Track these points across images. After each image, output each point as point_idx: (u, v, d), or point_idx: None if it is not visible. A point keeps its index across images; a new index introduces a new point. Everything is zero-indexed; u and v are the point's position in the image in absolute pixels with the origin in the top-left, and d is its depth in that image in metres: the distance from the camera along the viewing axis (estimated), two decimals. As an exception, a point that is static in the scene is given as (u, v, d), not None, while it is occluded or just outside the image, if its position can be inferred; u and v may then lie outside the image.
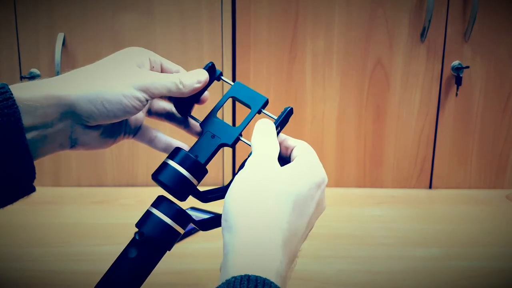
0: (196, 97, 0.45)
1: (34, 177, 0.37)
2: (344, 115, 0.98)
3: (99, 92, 0.37)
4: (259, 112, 0.46)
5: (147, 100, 0.39)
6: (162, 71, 0.44)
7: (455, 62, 0.94)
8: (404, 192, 0.99)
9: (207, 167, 0.44)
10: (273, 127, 0.41)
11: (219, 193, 0.43)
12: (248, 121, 0.45)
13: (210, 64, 0.46)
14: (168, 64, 0.44)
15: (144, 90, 0.39)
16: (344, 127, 0.98)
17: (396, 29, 0.93)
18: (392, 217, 0.85)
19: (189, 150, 0.44)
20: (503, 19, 0.93)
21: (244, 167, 0.38)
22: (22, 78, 0.92)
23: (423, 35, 0.93)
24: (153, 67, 0.43)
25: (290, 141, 0.43)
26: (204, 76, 0.43)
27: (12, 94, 0.34)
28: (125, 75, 0.39)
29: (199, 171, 0.42)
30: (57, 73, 0.91)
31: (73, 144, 0.41)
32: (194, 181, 0.42)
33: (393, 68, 0.95)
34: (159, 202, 0.41)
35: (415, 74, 0.96)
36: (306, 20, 0.93)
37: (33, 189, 0.38)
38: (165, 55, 0.93)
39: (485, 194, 0.98)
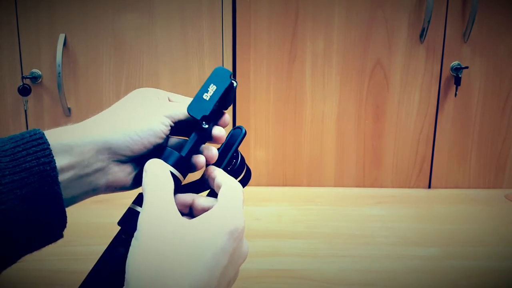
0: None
1: (64, 226, 0.37)
2: (344, 115, 0.98)
3: (132, 124, 0.40)
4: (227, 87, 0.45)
5: (171, 126, 0.43)
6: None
7: (454, 63, 0.95)
8: (403, 191, 0.99)
9: None
10: (161, 164, 0.40)
11: (194, 187, 0.44)
12: (218, 95, 0.44)
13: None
14: (173, 97, 0.47)
15: (168, 117, 0.42)
16: (344, 127, 0.98)
17: (395, 30, 0.94)
18: (391, 216, 0.86)
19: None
20: (503, 19, 0.93)
21: (140, 221, 0.35)
22: (23, 78, 0.93)
23: (422, 35, 0.93)
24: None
25: (220, 178, 0.41)
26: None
27: (48, 143, 0.35)
28: (150, 107, 0.43)
29: (183, 165, 0.42)
30: (59, 74, 0.91)
31: (108, 186, 0.41)
32: (180, 176, 0.42)
33: (393, 69, 0.96)
34: (142, 199, 0.40)
35: (414, 74, 0.96)
36: (306, 20, 0.93)
37: (60, 236, 0.38)
38: (165, 55, 0.94)
39: (484, 194, 0.99)
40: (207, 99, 0.44)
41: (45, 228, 0.36)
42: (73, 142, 0.37)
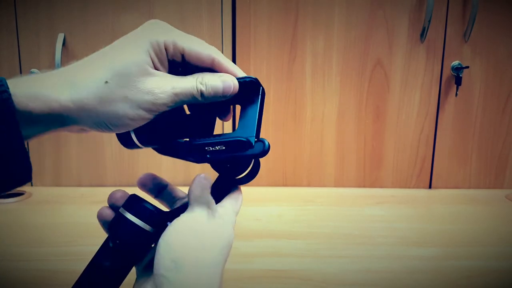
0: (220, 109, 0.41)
1: (29, 167, 0.34)
2: (344, 116, 0.98)
3: (104, 115, 0.35)
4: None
5: (158, 112, 0.36)
6: (187, 56, 0.37)
7: (455, 62, 0.95)
8: (403, 192, 0.99)
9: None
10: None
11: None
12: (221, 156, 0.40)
13: (249, 80, 0.39)
14: (194, 45, 0.37)
15: (151, 109, 0.36)
16: (344, 127, 0.98)
17: (395, 30, 0.94)
18: (391, 216, 0.86)
19: None
20: (503, 19, 0.93)
21: (193, 216, 0.38)
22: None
23: (422, 35, 0.93)
24: (171, 59, 0.37)
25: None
26: (233, 81, 0.38)
27: (8, 89, 0.32)
28: (129, 88, 0.35)
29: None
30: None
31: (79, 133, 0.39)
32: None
33: (393, 69, 0.95)
34: (132, 204, 0.39)
35: (414, 74, 0.96)
36: (306, 20, 0.93)
37: (28, 179, 0.34)
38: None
39: (485, 194, 0.99)
40: (208, 153, 0.39)
41: (6, 170, 0.33)
42: (39, 119, 0.33)
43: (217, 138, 0.39)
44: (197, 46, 0.37)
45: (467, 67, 0.93)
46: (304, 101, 0.97)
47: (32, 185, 0.98)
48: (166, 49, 0.36)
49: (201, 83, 0.37)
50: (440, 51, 0.94)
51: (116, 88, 0.34)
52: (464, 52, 0.94)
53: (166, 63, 0.37)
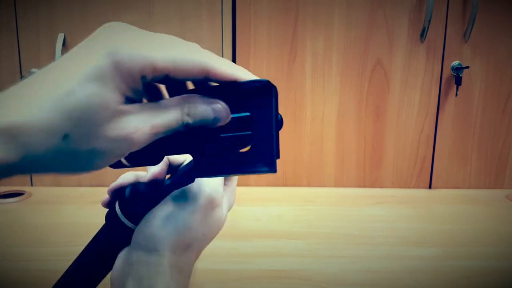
0: None
1: None
2: (344, 116, 0.98)
3: (65, 168, 0.27)
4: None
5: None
6: (173, 74, 0.28)
7: (455, 62, 0.95)
8: (403, 192, 0.99)
9: None
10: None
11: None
12: None
13: (258, 84, 0.30)
14: (180, 60, 0.28)
15: (124, 154, 0.28)
16: (344, 127, 0.98)
17: (395, 30, 0.94)
18: (391, 216, 0.86)
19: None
20: (503, 19, 0.93)
21: (193, 205, 0.35)
22: (22, 78, 0.93)
23: (423, 35, 0.93)
24: (150, 82, 0.28)
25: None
26: (227, 110, 0.31)
27: None
28: (97, 139, 0.26)
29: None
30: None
31: None
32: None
33: (393, 69, 0.95)
34: (126, 203, 0.38)
35: (415, 74, 0.96)
36: (306, 20, 0.93)
37: None
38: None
39: (485, 194, 0.99)
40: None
41: None
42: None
43: (230, 171, 0.32)
44: (184, 59, 0.28)
45: (467, 67, 0.93)
46: (304, 101, 0.97)
47: (32, 185, 0.98)
48: (143, 76, 0.27)
49: (188, 115, 0.29)
50: (440, 51, 0.94)
51: (80, 141, 0.26)
52: (464, 52, 0.94)
53: (142, 90, 0.28)
